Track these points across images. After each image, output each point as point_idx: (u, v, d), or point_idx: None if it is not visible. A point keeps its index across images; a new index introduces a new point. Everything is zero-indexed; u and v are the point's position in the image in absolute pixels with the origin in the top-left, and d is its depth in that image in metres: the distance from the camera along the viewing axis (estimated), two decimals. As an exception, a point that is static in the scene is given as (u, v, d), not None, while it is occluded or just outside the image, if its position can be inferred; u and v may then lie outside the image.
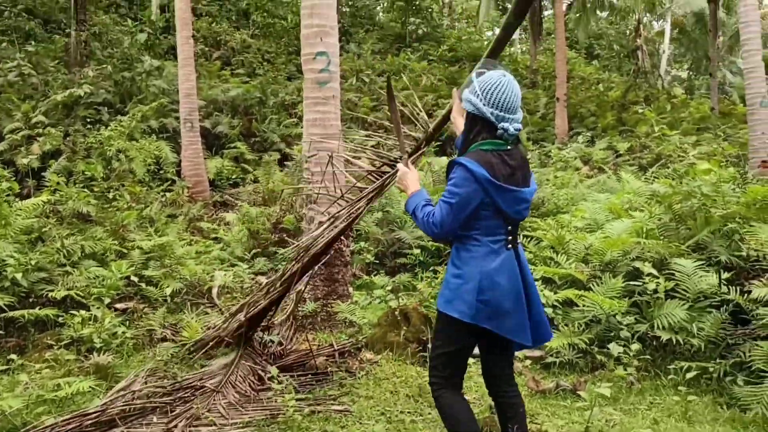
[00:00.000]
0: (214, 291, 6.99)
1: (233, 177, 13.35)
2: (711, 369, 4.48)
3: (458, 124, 3.35)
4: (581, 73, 27.25)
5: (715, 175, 6.83)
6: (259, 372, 4.55)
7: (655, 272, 4.98)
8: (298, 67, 21.17)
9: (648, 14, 31.66)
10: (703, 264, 5.14)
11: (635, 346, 4.59)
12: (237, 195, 12.51)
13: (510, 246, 2.96)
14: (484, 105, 2.91)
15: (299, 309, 5.83)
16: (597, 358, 4.90)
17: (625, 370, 4.50)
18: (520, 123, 2.93)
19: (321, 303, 5.94)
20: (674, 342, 4.72)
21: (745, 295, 4.73)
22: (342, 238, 5.72)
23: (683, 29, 35.72)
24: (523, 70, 25.37)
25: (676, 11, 33.84)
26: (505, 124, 2.88)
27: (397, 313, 5.34)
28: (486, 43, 29.83)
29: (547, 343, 4.99)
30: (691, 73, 39.93)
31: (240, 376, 4.45)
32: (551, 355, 5.01)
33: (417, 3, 26.62)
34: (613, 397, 4.39)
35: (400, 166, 3.40)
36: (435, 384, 3.08)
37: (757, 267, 5.07)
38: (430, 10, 27.49)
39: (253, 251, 8.66)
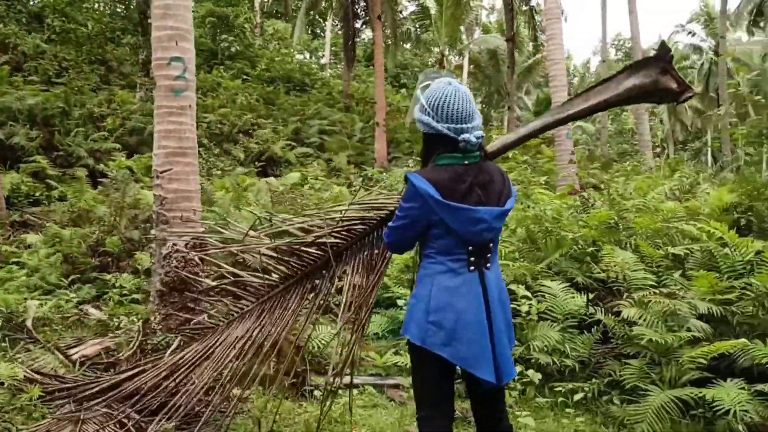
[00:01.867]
0: (29, 323, 6.04)
1: (35, 194, 11.86)
2: (586, 389, 4.60)
3: None
4: (390, 100, 28.17)
5: (553, 201, 7.21)
6: (121, 419, 3.89)
7: (529, 294, 5.05)
8: (102, 77, 19.61)
9: (449, 48, 33.55)
10: (567, 286, 5.31)
11: (516, 368, 4.58)
12: (41, 215, 11.12)
13: (473, 268, 2.68)
14: (437, 122, 2.67)
15: (147, 341, 5.18)
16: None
17: (510, 394, 4.48)
18: (480, 129, 2.69)
19: (175, 334, 5.32)
20: (552, 363, 4.80)
21: (612, 315, 4.94)
22: (199, 262, 5.21)
23: (479, 65, 38.47)
24: (337, 94, 25.66)
25: (473, 48, 36.34)
26: (466, 135, 2.64)
27: (264, 342, 4.91)
28: (298, 65, 29.87)
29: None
30: (484, 106, 43.01)
31: (96, 423, 3.79)
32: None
33: (230, 20, 25.94)
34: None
35: None
36: (418, 421, 2.78)
37: (614, 288, 5.35)
38: (243, 28, 26.92)
39: (71, 277, 7.67)
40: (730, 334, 4.60)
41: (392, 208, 3.44)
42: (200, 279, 5.25)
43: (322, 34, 38.89)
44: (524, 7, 24.95)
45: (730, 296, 4.71)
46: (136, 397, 4.11)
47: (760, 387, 4.00)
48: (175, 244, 5.16)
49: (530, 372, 4.73)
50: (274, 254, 3.85)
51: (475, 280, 2.68)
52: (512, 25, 23.38)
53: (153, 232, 5.39)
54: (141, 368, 4.23)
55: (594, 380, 4.70)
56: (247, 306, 4.02)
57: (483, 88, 41.53)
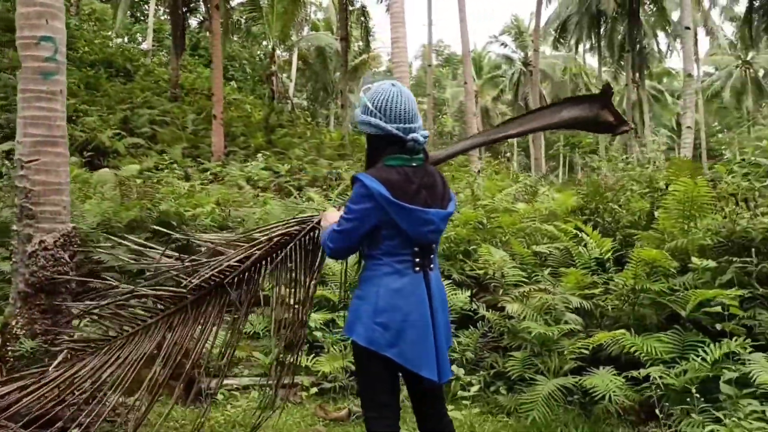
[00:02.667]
0: None
1: None
2: (474, 381, 4.84)
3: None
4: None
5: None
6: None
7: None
8: None
9: (279, 43, 33.28)
10: (448, 283, 5.55)
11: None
12: None
13: (418, 269, 2.73)
14: (385, 122, 2.70)
15: (8, 348, 4.67)
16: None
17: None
18: (424, 129, 2.77)
19: (40, 340, 4.84)
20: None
21: (492, 310, 5.24)
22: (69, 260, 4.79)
23: (307, 61, 38.57)
24: (164, 83, 24.49)
25: (302, 44, 36.35)
26: (414, 135, 2.70)
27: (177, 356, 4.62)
28: (120, 50, 28.11)
29: (319, 368, 4.89)
30: (310, 103, 43.25)
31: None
32: (327, 381, 4.87)
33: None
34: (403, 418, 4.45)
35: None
36: (366, 421, 2.77)
37: (489, 284, 5.67)
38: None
39: None
40: (597, 326, 5.08)
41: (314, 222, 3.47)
42: (73, 279, 4.89)
43: (143, 18, 36.83)
44: (356, 5, 25.36)
45: (595, 291, 5.19)
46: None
47: (629, 373, 4.44)
48: (43, 241, 4.71)
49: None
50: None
51: (420, 281, 2.74)
52: (346, 25, 23.73)
53: (15, 227, 4.86)
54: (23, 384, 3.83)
55: (481, 372, 4.96)
56: (151, 318, 3.79)
57: (310, 84, 41.76)
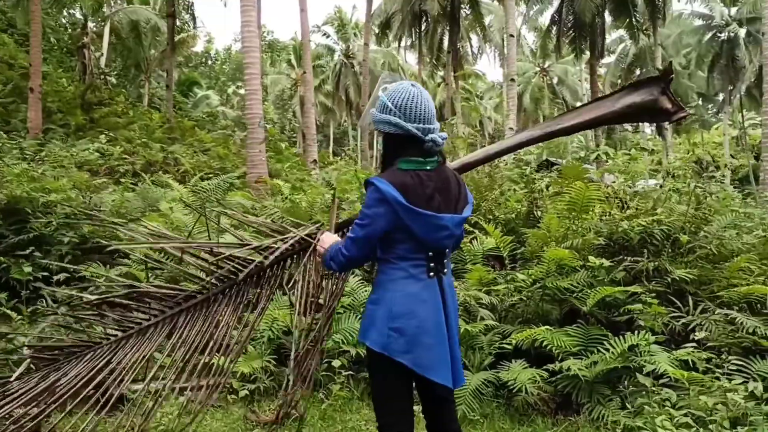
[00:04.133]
0: None
1: None
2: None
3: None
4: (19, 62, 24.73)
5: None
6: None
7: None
8: None
9: (92, 13, 30.72)
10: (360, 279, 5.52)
11: (337, 363, 4.65)
12: None
13: (432, 274, 2.69)
14: (405, 121, 2.63)
15: None
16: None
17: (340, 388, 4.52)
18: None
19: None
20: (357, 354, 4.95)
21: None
22: None
23: (120, 36, 35.97)
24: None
25: (116, 17, 33.85)
26: (432, 136, 2.65)
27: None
28: None
29: (237, 369, 4.64)
30: (122, 80, 40.48)
31: None
32: (249, 382, 4.63)
33: None
34: (330, 416, 4.37)
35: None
36: (380, 428, 2.68)
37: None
38: None
39: None
40: (501, 321, 5.32)
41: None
42: None
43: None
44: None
45: (499, 288, 5.43)
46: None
47: (548, 367, 4.70)
48: None
49: (336, 362, 4.82)
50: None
51: (435, 287, 2.70)
52: (174, 2, 22.51)
53: None
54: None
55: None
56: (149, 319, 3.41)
57: (119, 60, 39.01)
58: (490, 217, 6.96)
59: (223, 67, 58.16)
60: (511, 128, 18.71)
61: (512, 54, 19.46)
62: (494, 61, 73.23)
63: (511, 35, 19.43)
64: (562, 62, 43.45)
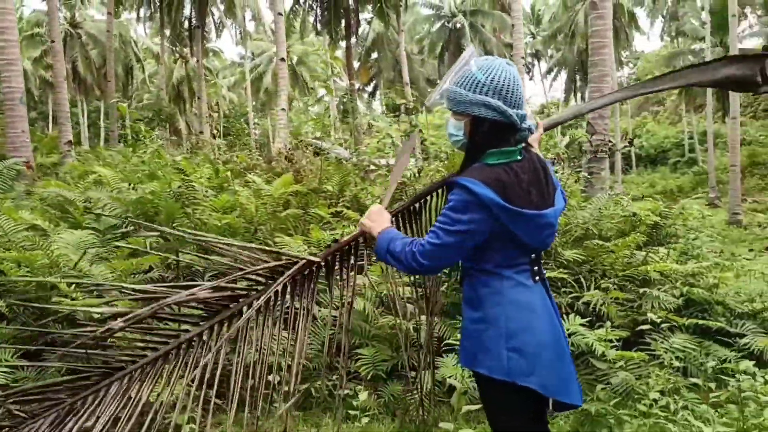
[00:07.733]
0: None
1: None
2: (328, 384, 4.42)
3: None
4: None
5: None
6: None
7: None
8: None
9: None
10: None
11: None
12: None
13: (537, 278, 2.36)
14: (506, 105, 2.26)
15: None
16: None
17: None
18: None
19: None
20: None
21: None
22: None
23: None
24: None
25: None
26: (529, 123, 2.33)
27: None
28: None
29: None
30: None
31: None
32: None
33: None
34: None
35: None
36: None
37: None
38: None
39: None
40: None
41: None
42: None
43: None
44: None
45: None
46: None
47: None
48: None
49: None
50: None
51: (543, 293, 2.39)
52: None
53: None
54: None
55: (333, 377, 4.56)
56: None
57: None
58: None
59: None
60: (283, 109, 18.25)
61: (281, 33, 19.01)
62: (235, 38, 71.63)
63: (279, 14, 18.96)
64: (305, 43, 43.85)
